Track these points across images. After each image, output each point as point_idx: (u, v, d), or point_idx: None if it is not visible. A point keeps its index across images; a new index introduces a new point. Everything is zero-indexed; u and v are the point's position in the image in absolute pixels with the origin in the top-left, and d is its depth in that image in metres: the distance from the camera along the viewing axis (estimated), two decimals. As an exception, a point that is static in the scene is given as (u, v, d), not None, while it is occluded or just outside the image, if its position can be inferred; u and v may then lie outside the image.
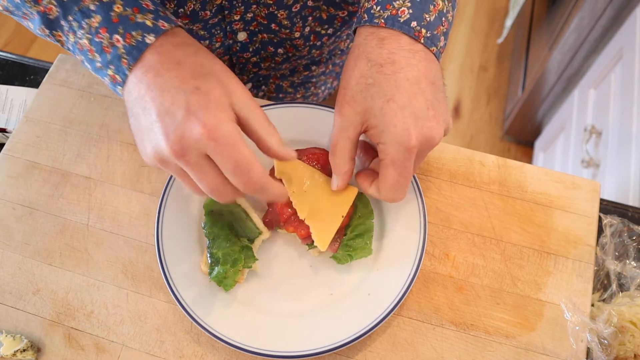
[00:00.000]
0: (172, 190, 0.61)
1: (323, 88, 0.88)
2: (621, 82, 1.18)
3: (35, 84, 0.77)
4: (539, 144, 1.75)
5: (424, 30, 0.49)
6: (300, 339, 0.54)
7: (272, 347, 0.53)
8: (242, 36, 0.69)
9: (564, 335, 0.56)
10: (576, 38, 1.39)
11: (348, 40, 0.82)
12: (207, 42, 0.68)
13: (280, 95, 0.85)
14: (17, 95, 0.75)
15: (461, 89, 2.04)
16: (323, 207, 0.56)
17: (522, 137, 1.89)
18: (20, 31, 2.14)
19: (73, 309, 0.59)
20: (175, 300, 0.55)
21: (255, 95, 0.81)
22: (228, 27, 0.66)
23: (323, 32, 0.73)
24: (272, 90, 0.83)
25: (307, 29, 0.71)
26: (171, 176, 0.61)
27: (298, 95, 0.86)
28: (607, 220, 0.63)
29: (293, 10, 0.66)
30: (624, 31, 1.21)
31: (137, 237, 0.62)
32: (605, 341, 0.54)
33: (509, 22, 1.91)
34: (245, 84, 0.77)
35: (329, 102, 0.93)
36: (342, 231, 0.58)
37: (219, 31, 0.67)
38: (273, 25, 0.68)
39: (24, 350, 0.55)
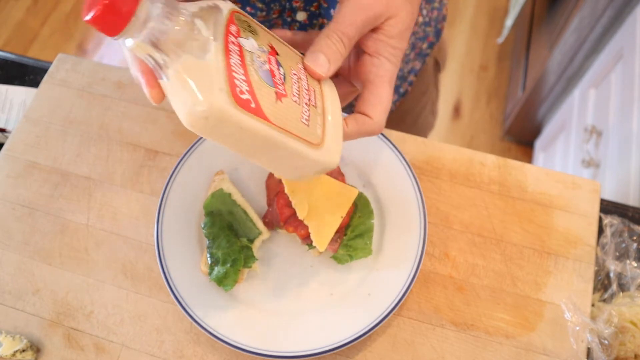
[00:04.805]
0: (172, 190, 0.61)
1: None
2: (621, 82, 1.18)
3: (34, 83, 0.77)
4: (539, 144, 1.74)
5: None
6: (300, 339, 0.54)
7: (272, 347, 0.53)
8: (301, 16, 0.66)
9: (565, 335, 0.56)
10: (576, 38, 1.39)
11: (413, 53, 0.79)
12: (265, 13, 0.65)
13: None
14: (16, 95, 0.75)
15: (461, 89, 2.04)
16: (323, 207, 0.56)
17: (522, 137, 1.89)
18: (20, 30, 2.14)
19: (73, 309, 0.59)
20: (175, 300, 0.55)
21: None
22: (287, 4, 0.64)
23: None
24: None
25: None
26: (171, 176, 0.61)
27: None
28: (607, 220, 0.62)
29: None
30: (624, 31, 1.21)
31: (137, 237, 0.62)
32: (606, 341, 0.54)
33: (509, 22, 1.90)
34: None
35: (392, 118, 0.87)
36: (342, 231, 0.58)
37: (277, 5, 0.64)
38: (332, 11, 0.65)
39: (24, 351, 0.55)
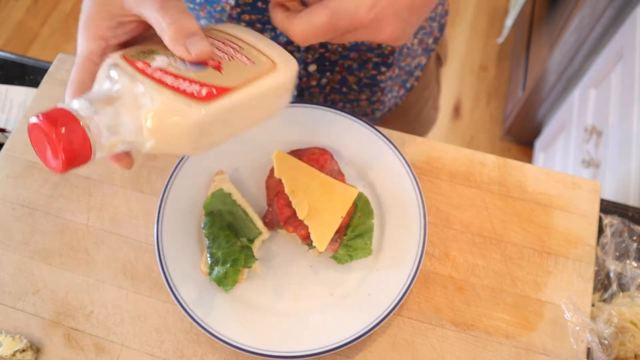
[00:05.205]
0: (172, 190, 0.61)
1: (390, 96, 0.84)
2: (621, 82, 1.18)
3: (34, 83, 0.77)
4: (539, 144, 1.75)
5: None
6: (300, 339, 0.54)
7: (272, 347, 0.53)
8: None
9: (565, 335, 0.56)
10: (576, 38, 1.39)
11: (415, 39, 0.78)
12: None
13: (344, 90, 0.79)
14: (16, 95, 0.75)
15: (461, 89, 2.04)
16: (322, 207, 0.56)
17: (522, 137, 1.89)
18: (20, 30, 2.14)
19: (73, 309, 0.59)
20: (175, 300, 0.55)
21: (318, 83, 0.76)
22: None
23: None
24: (336, 82, 0.78)
25: None
26: (171, 176, 0.61)
27: (362, 97, 0.81)
28: (607, 220, 0.62)
29: None
30: (624, 31, 1.21)
31: (137, 237, 0.62)
32: (606, 341, 0.54)
33: (509, 22, 1.91)
34: (309, 64, 0.73)
35: (395, 113, 0.88)
36: (342, 231, 0.58)
37: None
38: None
39: (24, 351, 0.55)
